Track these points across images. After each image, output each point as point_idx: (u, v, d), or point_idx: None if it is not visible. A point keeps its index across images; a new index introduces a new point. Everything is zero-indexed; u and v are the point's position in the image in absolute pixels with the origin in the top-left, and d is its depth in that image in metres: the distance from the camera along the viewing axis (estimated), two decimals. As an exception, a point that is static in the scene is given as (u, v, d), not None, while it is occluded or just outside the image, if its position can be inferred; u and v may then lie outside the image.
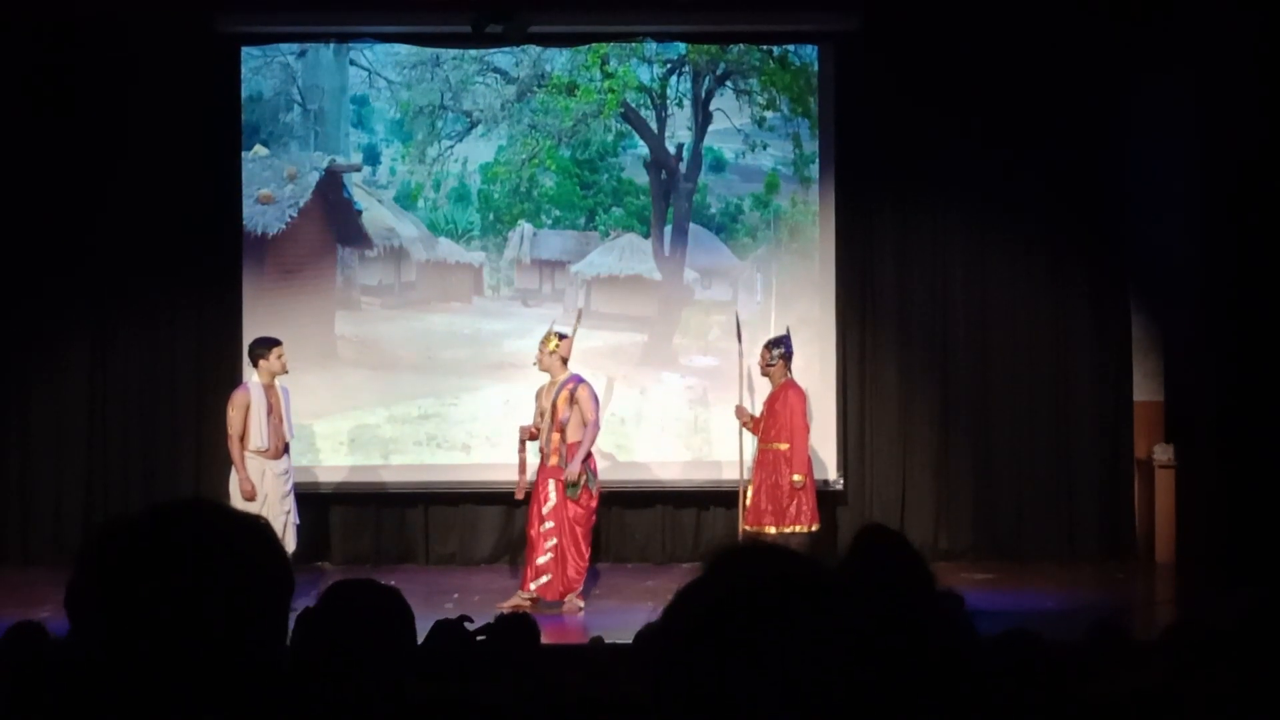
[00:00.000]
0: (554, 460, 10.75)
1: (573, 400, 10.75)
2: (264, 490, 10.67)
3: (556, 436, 10.74)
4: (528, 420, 11.12)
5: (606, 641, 7.40)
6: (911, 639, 2.93)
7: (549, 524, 10.74)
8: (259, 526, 1.94)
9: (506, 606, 10.13)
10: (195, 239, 12.77)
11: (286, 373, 10.91)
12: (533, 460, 11.04)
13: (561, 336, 10.94)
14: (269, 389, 10.77)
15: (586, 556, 10.90)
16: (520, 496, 11.08)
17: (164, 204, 12.67)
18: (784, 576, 1.74)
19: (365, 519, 13.00)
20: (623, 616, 9.73)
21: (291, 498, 10.89)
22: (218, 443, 12.57)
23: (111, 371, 12.89)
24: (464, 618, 4.65)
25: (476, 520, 12.91)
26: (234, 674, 1.83)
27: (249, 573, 1.87)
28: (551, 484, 10.74)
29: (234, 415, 10.71)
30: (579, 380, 10.89)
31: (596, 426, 10.86)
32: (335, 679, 3.30)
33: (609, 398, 12.51)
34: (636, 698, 4.15)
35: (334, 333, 13.07)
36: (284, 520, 10.64)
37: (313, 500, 12.73)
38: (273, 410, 10.74)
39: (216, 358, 12.83)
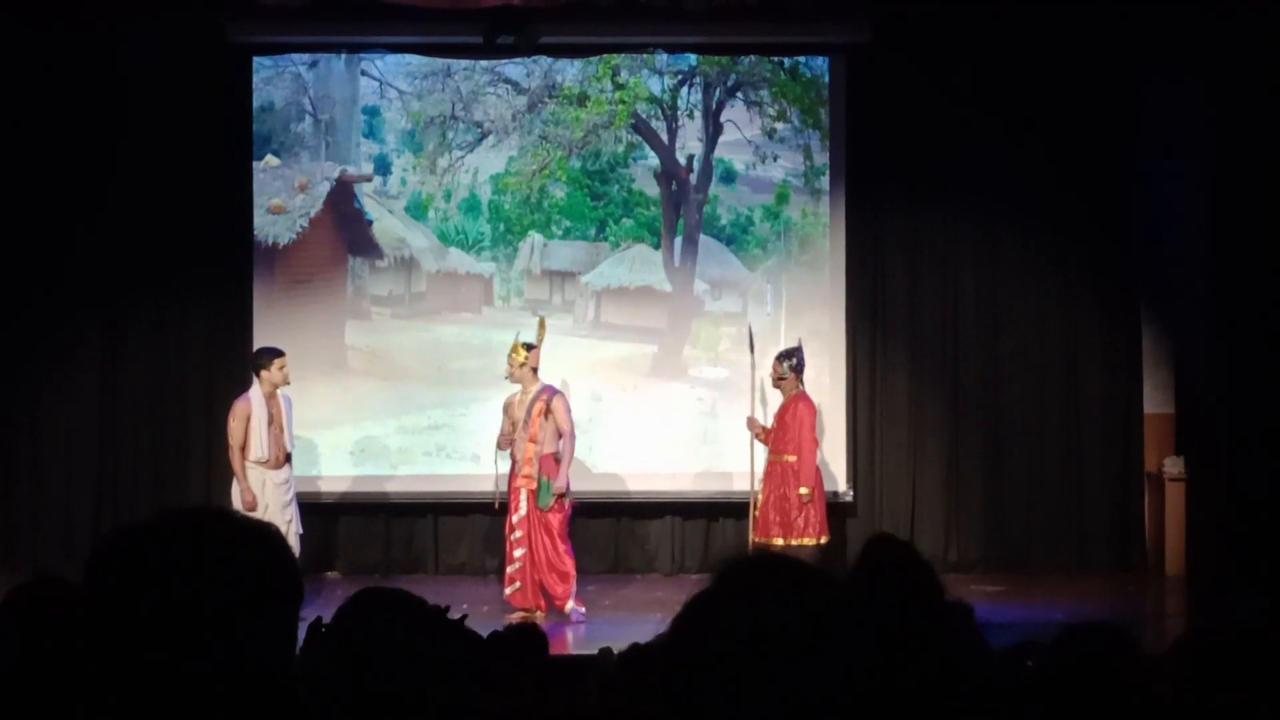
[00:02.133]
0: (526, 470, 10.83)
1: (548, 412, 10.82)
2: (265, 500, 10.76)
3: (531, 447, 10.83)
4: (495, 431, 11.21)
5: (615, 653, 7.38)
6: (920, 649, 2.92)
7: (518, 533, 10.90)
8: (269, 534, 1.94)
9: (515, 617, 10.15)
10: (206, 249, 12.79)
11: (288, 384, 10.96)
12: (504, 470, 11.12)
13: (529, 347, 10.97)
14: (270, 399, 10.84)
15: (571, 562, 10.95)
16: (499, 506, 11.15)
17: (175, 213, 12.69)
18: (792, 588, 1.74)
19: (374, 529, 13.01)
20: (632, 627, 9.70)
21: (293, 507, 10.93)
22: (226, 451, 12.62)
23: (122, 380, 12.91)
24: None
25: (486, 531, 12.89)
26: (243, 681, 1.83)
27: (258, 580, 1.87)
28: (524, 493, 10.83)
29: (235, 426, 10.80)
30: (553, 391, 10.95)
31: (573, 436, 10.95)
32: (354, 685, 3.30)
33: (617, 407, 12.55)
34: (644, 709, 4.14)
35: (344, 343, 13.08)
36: (284, 530, 10.68)
37: (321, 510, 12.75)
38: (274, 420, 10.80)
39: (226, 367, 12.84)
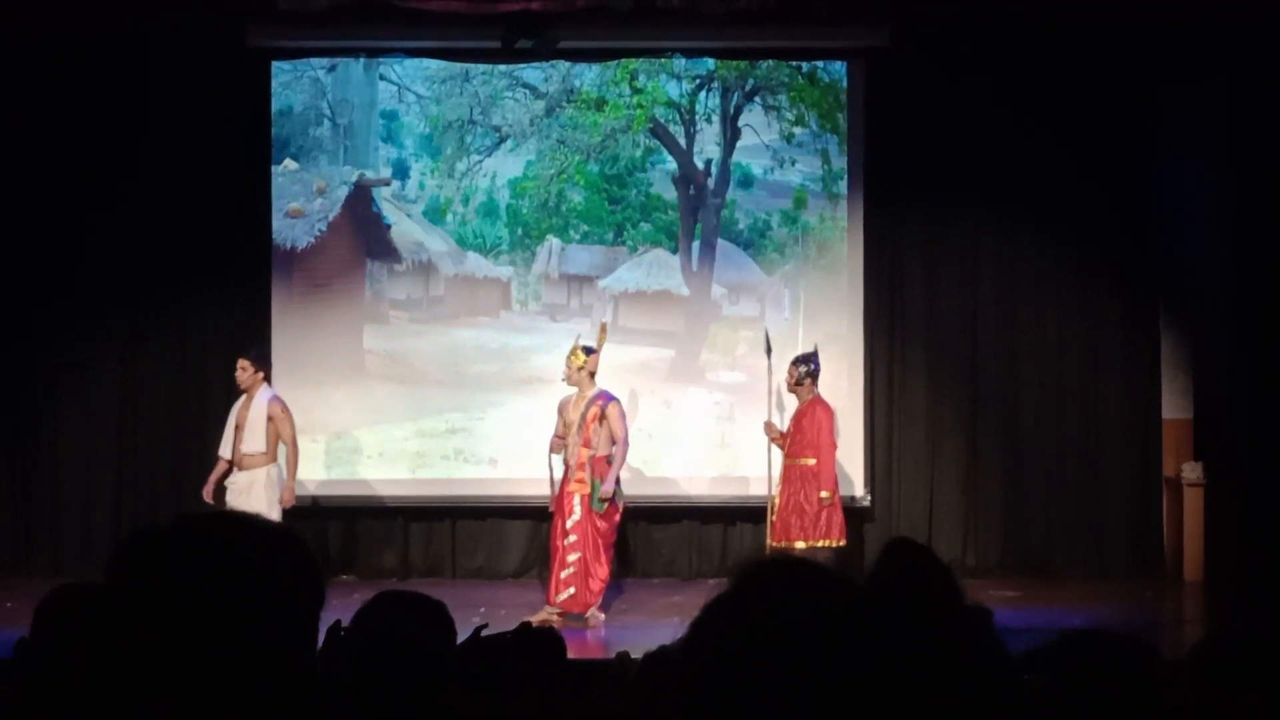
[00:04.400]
0: (579, 474, 10.77)
1: (602, 417, 10.79)
2: (229, 499, 10.95)
3: (584, 451, 10.77)
4: (549, 432, 11.15)
5: (633, 657, 7.37)
6: (940, 653, 2.92)
7: (572, 537, 10.77)
8: (290, 537, 1.95)
9: (534, 620, 10.13)
10: (224, 252, 12.82)
11: (240, 387, 11.07)
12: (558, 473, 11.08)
13: (588, 351, 10.96)
14: (245, 402, 11.05)
15: (608, 570, 10.94)
16: (554, 509, 11.12)
17: (194, 217, 12.72)
18: (811, 590, 1.74)
19: (393, 533, 13.02)
20: (649, 632, 9.69)
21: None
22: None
23: (141, 383, 12.94)
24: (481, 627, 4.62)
25: (504, 534, 12.92)
26: (263, 683, 1.83)
27: (278, 583, 1.87)
28: (577, 497, 10.78)
29: None
30: (609, 398, 10.92)
31: (627, 444, 10.92)
32: (372, 687, 3.31)
33: (634, 411, 12.53)
34: (664, 712, 4.14)
35: (362, 347, 13.10)
36: None
37: (340, 514, 12.79)
38: (240, 424, 10.96)
39: (245, 371, 12.88)
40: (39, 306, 12.75)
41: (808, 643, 1.68)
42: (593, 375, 10.94)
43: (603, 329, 11.45)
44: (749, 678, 1.68)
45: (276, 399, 11.09)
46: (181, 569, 1.85)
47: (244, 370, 11.05)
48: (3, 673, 4.61)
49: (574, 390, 10.98)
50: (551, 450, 11.03)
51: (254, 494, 10.89)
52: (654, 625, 10.37)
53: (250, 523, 1.94)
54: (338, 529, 12.88)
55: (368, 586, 11.81)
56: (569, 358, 10.97)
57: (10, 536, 12.92)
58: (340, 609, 3.47)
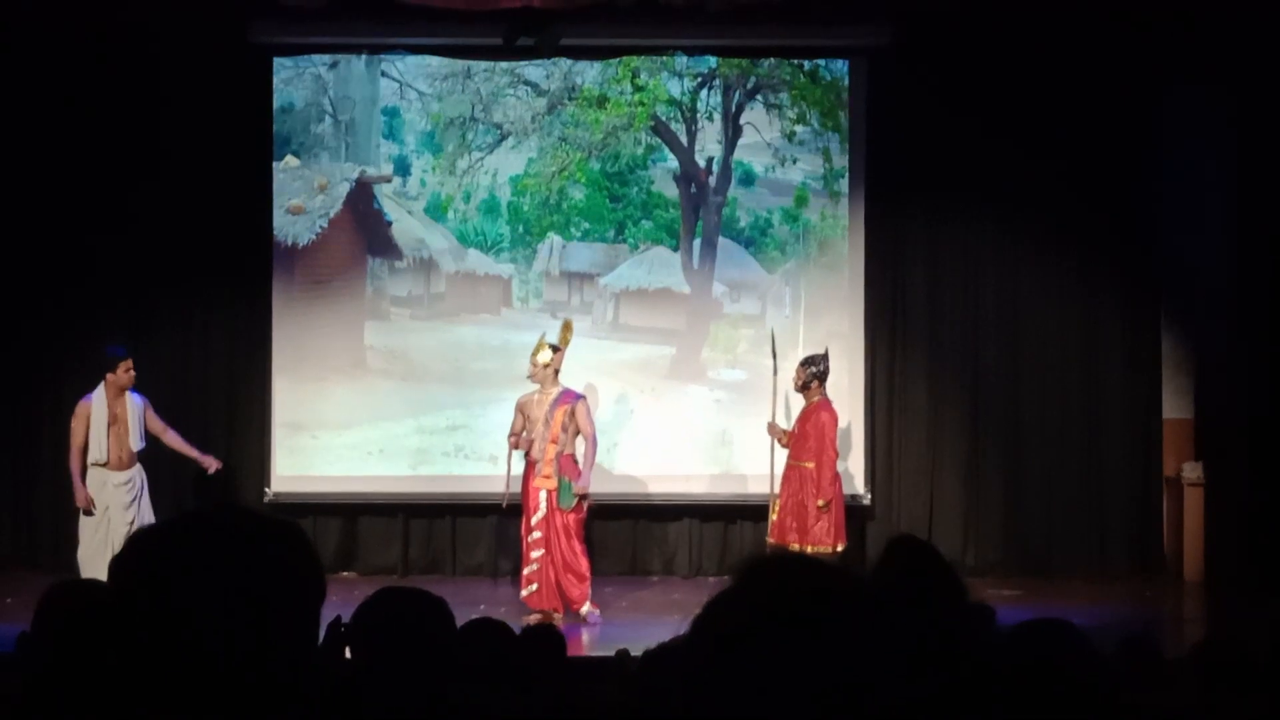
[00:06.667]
0: (545, 470, 10.81)
1: (572, 416, 10.82)
2: (104, 502, 10.70)
3: (552, 448, 10.80)
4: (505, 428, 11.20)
5: (632, 655, 7.37)
6: (943, 650, 2.92)
7: (536, 534, 10.86)
8: (292, 532, 1.94)
9: (533, 619, 10.15)
10: (226, 249, 12.82)
11: (126, 386, 10.84)
12: (517, 470, 11.13)
13: (554, 349, 10.97)
14: (116, 400, 10.77)
15: (586, 564, 10.96)
16: (506, 506, 11.16)
17: (195, 213, 12.72)
18: (815, 587, 1.73)
19: (393, 529, 13.02)
20: (649, 629, 9.69)
21: (138, 508, 10.73)
22: (248, 451, 12.63)
23: (141, 380, 12.89)
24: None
25: (504, 532, 12.89)
26: (264, 678, 1.83)
27: (280, 578, 1.87)
28: (543, 493, 10.81)
29: (76, 426, 10.79)
30: (577, 396, 10.97)
31: (595, 440, 10.95)
32: (373, 683, 3.32)
33: (634, 409, 12.55)
34: (665, 709, 4.14)
35: (363, 343, 13.10)
36: (127, 530, 10.41)
37: (339, 510, 12.79)
38: (117, 421, 10.75)
39: (246, 367, 12.88)
40: (41, 302, 12.75)
41: (811, 640, 1.67)
42: (557, 373, 10.95)
43: (567, 326, 11.41)
44: (751, 675, 1.68)
45: (144, 396, 10.98)
46: (184, 563, 1.85)
47: (133, 370, 10.84)
48: (4, 667, 4.61)
49: (534, 387, 11.00)
50: (513, 447, 11.06)
51: (143, 491, 10.83)
52: (654, 623, 10.36)
53: (253, 516, 1.94)
54: (338, 525, 12.88)
55: (368, 583, 11.84)
56: (534, 355, 11.00)
57: (12, 531, 12.95)
58: (340, 605, 3.47)
